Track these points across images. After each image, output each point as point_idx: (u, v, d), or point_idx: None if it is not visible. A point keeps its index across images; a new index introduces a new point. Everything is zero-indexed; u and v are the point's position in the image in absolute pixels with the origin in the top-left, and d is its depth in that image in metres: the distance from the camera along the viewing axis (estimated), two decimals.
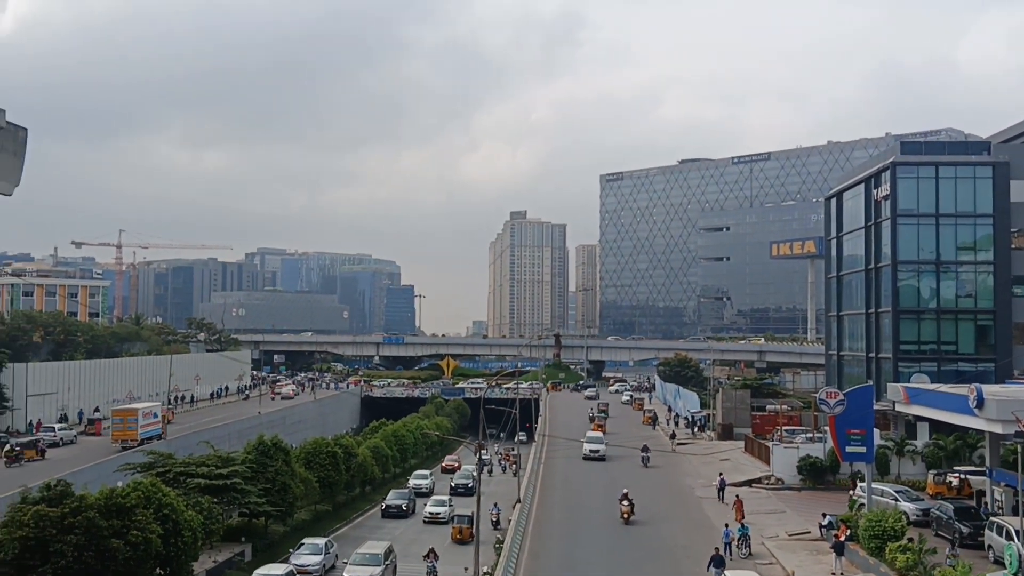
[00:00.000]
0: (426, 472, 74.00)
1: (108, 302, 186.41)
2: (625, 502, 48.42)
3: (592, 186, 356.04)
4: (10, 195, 21.66)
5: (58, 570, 28.86)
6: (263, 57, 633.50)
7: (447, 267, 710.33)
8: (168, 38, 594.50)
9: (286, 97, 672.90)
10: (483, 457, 59.67)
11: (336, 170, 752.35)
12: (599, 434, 75.82)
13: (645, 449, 68.29)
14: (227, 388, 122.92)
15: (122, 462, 52.24)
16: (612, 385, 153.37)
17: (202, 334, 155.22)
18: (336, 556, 43.29)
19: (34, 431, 76.33)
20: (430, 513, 57.36)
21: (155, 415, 75.31)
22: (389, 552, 41.70)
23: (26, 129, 21.59)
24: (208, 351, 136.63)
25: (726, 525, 43.75)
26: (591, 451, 69.77)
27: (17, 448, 65.73)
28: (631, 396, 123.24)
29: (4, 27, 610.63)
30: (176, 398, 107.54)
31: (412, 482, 69.49)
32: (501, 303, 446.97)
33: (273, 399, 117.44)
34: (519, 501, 51.28)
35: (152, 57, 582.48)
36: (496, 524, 52.11)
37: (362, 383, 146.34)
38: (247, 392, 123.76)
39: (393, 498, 60.56)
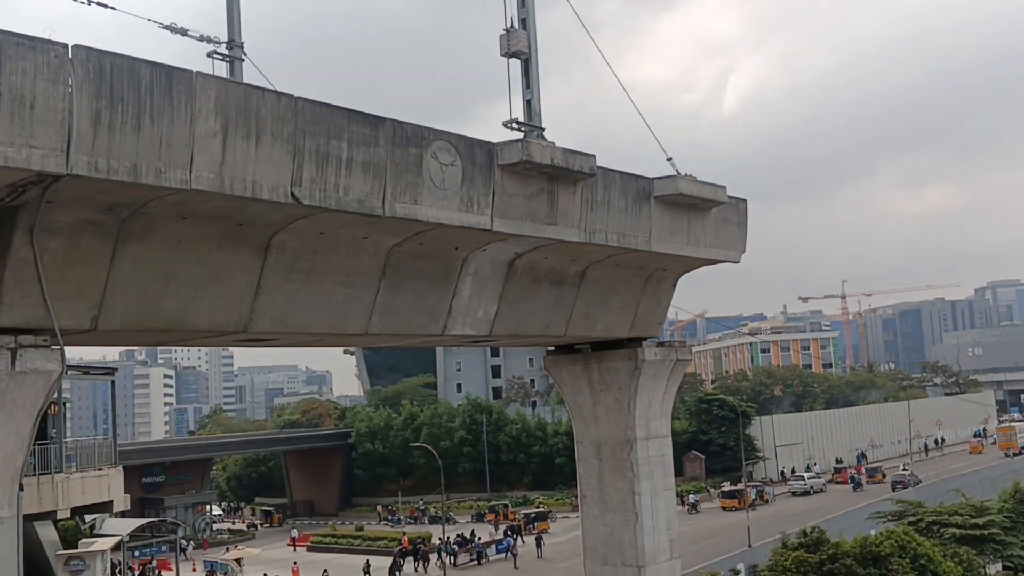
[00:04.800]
0: None
1: (839, 352, 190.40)
2: None
3: None
4: (738, 262, 23.79)
5: None
6: (982, 79, 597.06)
7: None
8: (879, 80, 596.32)
9: (1009, 118, 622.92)
10: None
11: None
12: None
13: None
14: (984, 431, 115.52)
15: (873, 511, 52.50)
16: None
17: (938, 377, 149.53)
18: None
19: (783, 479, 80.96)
20: None
21: None
22: None
23: (745, 200, 23.58)
24: (946, 394, 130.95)
25: None
26: None
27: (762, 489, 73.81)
28: None
29: (727, 107, 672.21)
30: (924, 445, 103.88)
31: None
32: None
33: None
34: None
35: (863, 104, 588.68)
36: None
37: None
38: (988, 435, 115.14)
39: None
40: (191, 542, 72.77)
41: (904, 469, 78.10)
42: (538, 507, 75.26)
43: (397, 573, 54.23)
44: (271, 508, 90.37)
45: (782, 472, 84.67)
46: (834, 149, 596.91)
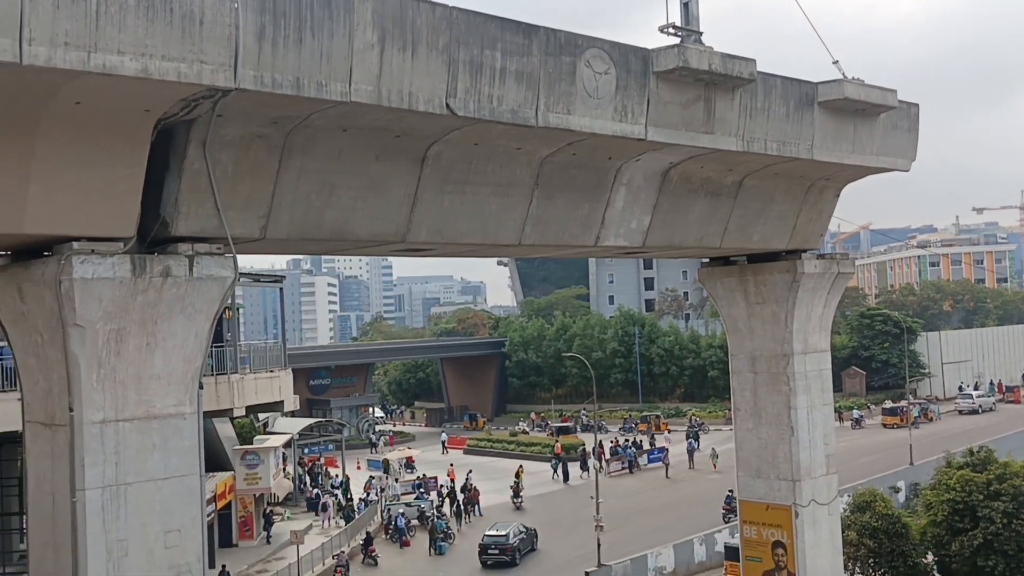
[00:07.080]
0: None
1: (1016, 266, 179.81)
2: None
3: None
4: (908, 171, 22.61)
5: (987, 535, 28.90)
6: None
7: None
8: None
9: None
10: None
11: None
12: None
13: None
14: None
15: None
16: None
17: None
18: None
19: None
20: None
21: None
22: None
23: (917, 105, 22.26)
24: None
25: None
26: None
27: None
28: None
29: (904, 3, 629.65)
30: None
31: None
32: None
33: None
34: None
35: None
36: None
37: None
38: None
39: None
40: (381, 438, 77.20)
41: None
42: (563, 420, 74.85)
43: (583, 472, 56.82)
44: (475, 412, 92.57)
45: (960, 387, 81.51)
46: (1018, 48, 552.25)
